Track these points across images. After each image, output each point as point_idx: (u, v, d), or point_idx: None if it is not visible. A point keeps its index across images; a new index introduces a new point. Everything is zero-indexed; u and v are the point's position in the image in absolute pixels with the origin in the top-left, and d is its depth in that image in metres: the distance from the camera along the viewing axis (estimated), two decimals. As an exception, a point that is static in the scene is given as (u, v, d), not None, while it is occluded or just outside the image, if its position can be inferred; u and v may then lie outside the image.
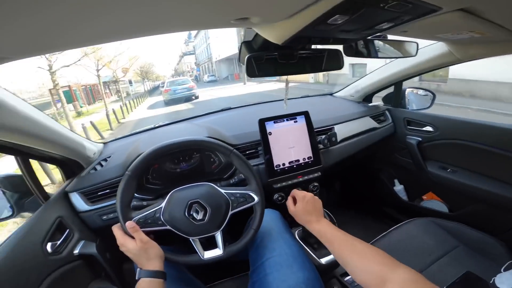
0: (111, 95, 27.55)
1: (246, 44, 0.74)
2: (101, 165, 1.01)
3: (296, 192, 0.80)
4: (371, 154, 1.62)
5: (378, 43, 0.92)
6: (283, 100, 1.65)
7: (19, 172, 0.83)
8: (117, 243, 0.66)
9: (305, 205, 0.75)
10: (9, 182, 0.83)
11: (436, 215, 1.25)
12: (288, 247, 0.77)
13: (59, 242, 0.79)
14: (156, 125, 1.34)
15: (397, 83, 1.44)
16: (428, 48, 1.13)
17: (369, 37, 0.84)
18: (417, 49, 0.99)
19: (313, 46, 0.75)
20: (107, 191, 0.93)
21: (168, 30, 0.47)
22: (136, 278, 0.60)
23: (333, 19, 0.48)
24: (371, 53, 0.92)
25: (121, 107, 11.37)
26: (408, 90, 1.53)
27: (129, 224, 0.65)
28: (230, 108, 1.54)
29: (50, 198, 0.88)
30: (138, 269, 0.62)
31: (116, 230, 0.67)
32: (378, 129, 1.41)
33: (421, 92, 1.54)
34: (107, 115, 8.93)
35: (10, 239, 0.70)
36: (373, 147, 1.41)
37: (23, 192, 0.85)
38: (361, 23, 0.55)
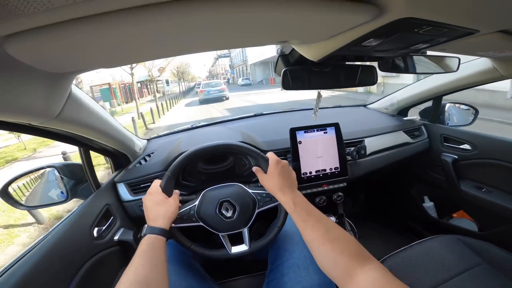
0: (148, 94, 27.77)
1: (283, 58, 0.78)
2: (145, 160, 1.11)
3: (270, 154, 0.74)
4: (402, 169, 1.58)
5: (416, 58, 0.91)
6: (311, 109, 1.67)
7: (75, 161, 0.95)
8: (148, 191, 0.70)
9: (280, 169, 0.69)
10: (68, 169, 0.94)
11: (464, 233, 1.19)
12: (307, 251, 0.77)
13: (104, 227, 0.87)
14: (194, 125, 1.43)
15: (436, 98, 1.39)
16: (470, 64, 1.09)
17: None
18: (459, 64, 0.95)
19: (347, 63, 0.77)
20: (148, 183, 1.01)
21: (222, 47, 0.53)
22: (143, 233, 0.62)
23: (367, 41, 0.51)
24: (409, 68, 0.90)
25: (151, 110, 10.44)
26: (448, 105, 1.46)
27: (176, 190, 0.73)
28: (263, 114, 1.59)
29: (101, 186, 0.97)
30: (146, 226, 0.64)
31: (156, 181, 0.73)
32: (411, 144, 1.37)
33: (463, 107, 1.47)
34: (133, 121, 7.84)
35: (66, 221, 0.77)
36: (404, 162, 1.37)
37: (79, 179, 0.96)
38: (396, 44, 0.57)
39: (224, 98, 15.46)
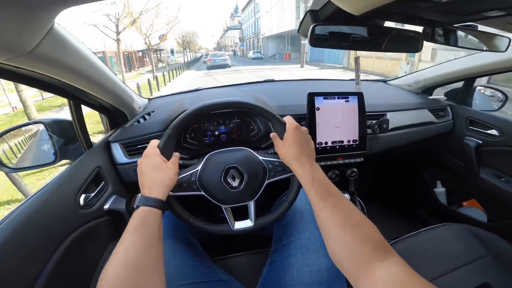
0: (150, 64, 25.07)
1: (312, 13, 0.68)
2: (144, 119, 1.01)
3: (288, 118, 0.66)
4: (420, 149, 1.51)
5: (463, 31, 0.82)
6: (330, 80, 1.59)
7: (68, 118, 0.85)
8: (144, 153, 0.61)
9: (299, 136, 0.62)
10: (58, 126, 0.84)
11: (473, 223, 1.19)
12: (317, 231, 0.71)
13: (92, 194, 0.77)
14: (200, 88, 1.33)
15: (469, 79, 1.29)
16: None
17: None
18: (509, 45, 0.86)
19: (388, 24, 0.69)
20: (146, 145, 0.91)
21: None
22: (136, 205, 0.52)
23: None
24: (450, 40, 0.82)
25: (148, 82, 9.45)
26: (478, 88, 1.37)
27: (175, 153, 0.64)
28: (275, 81, 1.50)
29: (93, 146, 0.88)
30: (140, 195, 0.54)
31: (153, 141, 0.63)
32: (435, 124, 1.30)
33: (491, 92, 1.38)
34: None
35: (49, 186, 0.66)
36: (426, 142, 1.31)
37: (69, 138, 0.85)
38: (470, 6, 0.48)
39: (228, 66, 20.84)
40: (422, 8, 0.50)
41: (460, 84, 1.35)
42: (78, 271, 0.67)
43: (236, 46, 60.31)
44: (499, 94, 1.34)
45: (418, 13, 0.55)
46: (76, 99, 0.77)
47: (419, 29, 0.73)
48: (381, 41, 0.68)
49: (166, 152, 0.62)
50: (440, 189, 1.50)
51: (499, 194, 1.15)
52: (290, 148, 0.61)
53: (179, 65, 23.40)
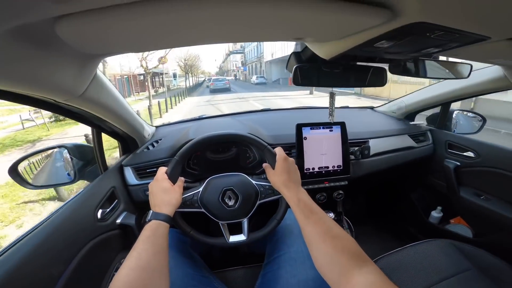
0: (153, 87, 24.59)
1: (295, 55, 0.80)
2: (153, 146, 1.13)
3: (278, 150, 0.75)
4: (404, 173, 1.59)
5: (428, 62, 0.91)
6: (320, 108, 1.69)
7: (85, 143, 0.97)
8: (155, 178, 0.71)
9: (287, 166, 0.71)
10: (79, 150, 0.95)
11: (459, 238, 1.22)
12: (305, 246, 0.77)
13: (107, 210, 0.88)
14: (202, 116, 1.45)
15: (445, 104, 1.40)
16: (482, 71, 1.09)
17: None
18: (470, 71, 0.95)
19: (358, 63, 0.79)
20: (154, 169, 1.04)
21: (239, 40, 0.55)
22: (148, 219, 0.62)
23: (379, 43, 0.52)
24: (420, 72, 0.91)
25: (149, 110, 8.91)
26: (456, 112, 1.46)
27: (180, 178, 0.74)
28: (270, 110, 1.62)
29: (109, 169, 0.99)
30: (151, 212, 0.64)
31: (162, 168, 0.73)
32: (416, 148, 1.38)
33: (470, 115, 1.47)
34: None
35: (73, 201, 0.78)
36: (407, 166, 1.38)
37: (88, 161, 0.96)
38: (408, 47, 0.58)
39: (228, 90, 23.67)
40: (374, 52, 0.59)
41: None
42: (92, 274, 0.76)
43: (238, 71, 60.64)
44: (479, 117, 1.41)
45: (374, 55, 0.64)
46: (99, 128, 0.91)
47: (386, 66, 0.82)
48: (351, 78, 0.77)
49: (173, 177, 0.73)
50: (438, 214, 1.51)
51: (481, 211, 1.21)
52: (279, 176, 0.70)
53: (181, 90, 22.47)
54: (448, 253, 0.94)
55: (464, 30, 0.44)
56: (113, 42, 0.46)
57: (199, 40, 0.52)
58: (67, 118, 0.85)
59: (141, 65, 12.44)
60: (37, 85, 0.49)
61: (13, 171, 0.79)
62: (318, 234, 0.53)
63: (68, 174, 0.91)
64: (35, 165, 0.87)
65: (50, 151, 0.90)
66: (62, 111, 0.69)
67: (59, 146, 0.91)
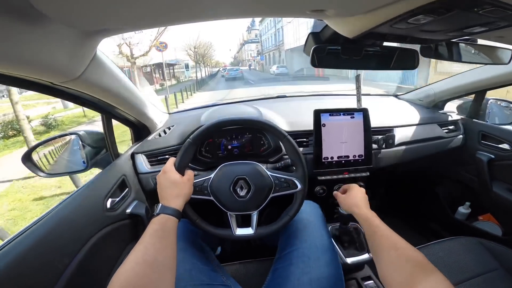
0: (162, 80, 21.68)
1: (314, 35, 0.74)
2: (165, 132, 1.11)
3: (345, 185, 0.85)
4: (430, 164, 1.50)
5: (463, 45, 0.83)
6: (340, 95, 1.62)
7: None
8: (163, 169, 0.68)
9: (355, 192, 0.78)
10: (90, 137, 0.94)
11: (487, 237, 1.16)
12: (320, 241, 0.77)
13: (117, 199, 0.85)
14: (216, 103, 1.42)
15: (479, 92, 1.29)
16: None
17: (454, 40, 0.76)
18: (512, 57, 0.86)
19: (385, 43, 0.72)
20: (166, 156, 1.03)
21: (244, 14, 0.49)
22: (156, 212, 0.60)
23: (415, 18, 0.46)
24: (454, 56, 0.83)
25: (166, 100, 7.79)
26: (491, 101, 1.35)
27: (190, 171, 0.71)
28: (286, 96, 1.55)
29: (120, 156, 0.97)
30: (160, 205, 0.62)
31: (171, 159, 0.71)
32: (445, 139, 1.29)
33: (506, 104, 1.35)
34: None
35: (81, 191, 0.76)
36: (434, 157, 1.30)
37: (99, 148, 0.95)
38: (448, 25, 0.51)
39: (242, 78, 24.68)
40: (407, 29, 0.52)
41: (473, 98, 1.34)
42: (100, 266, 0.75)
43: (254, 60, 58.61)
44: (514, 107, 1.30)
45: (406, 33, 0.58)
46: (109, 114, 0.88)
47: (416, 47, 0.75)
48: (376, 60, 0.71)
49: (181, 168, 0.70)
50: (466, 210, 1.43)
51: None
52: (352, 199, 0.76)
53: (190, 83, 18.73)
54: (475, 251, 0.90)
55: None
56: (102, 14, 0.42)
57: (206, 15, 0.47)
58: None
59: (120, 52, 10.03)
60: (26, 65, 0.46)
61: (27, 159, 0.78)
62: (384, 246, 0.56)
63: (83, 162, 0.90)
64: (49, 154, 0.87)
65: (63, 138, 0.90)
66: (63, 95, 0.66)
67: (71, 134, 0.90)
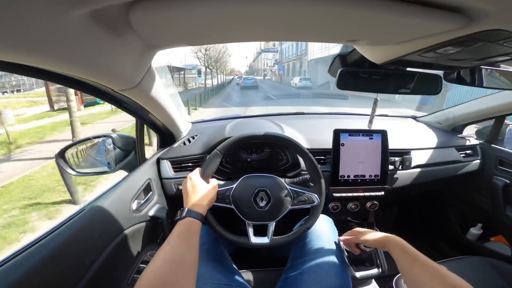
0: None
1: (341, 58, 0.77)
2: (189, 141, 1.15)
3: (354, 229, 0.80)
4: (445, 187, 1.49)
5: (486, 71, 0.84)
6: (357, 115, 1.63)
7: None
8: (189, 175, 0.73)
9: (369, 230, 0.76)
10: (121, 140, 0.99)
11: (497, 257, 1.12)
12: (332, 253, 0.78)
13: (142, 201, 0.90)
14: (237, 116, 1.46)
15: (499, 117, 1.28)
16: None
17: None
18: (533, 82, 0.86)
19: (408, 68, 0.74)
20: (189, 164, 1.07)
21: (284, 39, 0.53)
22: (183, 216, 0.62)
23: (444, 49, 0.48)
24: (476, 81, 0.85)
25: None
26: (511, 127, 1.34)
27: (215, 180, 0.75)
28: (304, 113, 1.58)
29: (147, 161, 1.02)
30: (186, 208, 0.64)
31: (197, 168, 0.76)
32: (462, 163, 1.28)
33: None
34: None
35: (111, 191, 0.80)
36: (450, 181, 1.29)
37: (128, 151, 1.00)
38: (474, 55, 0.53)
39: (256, 87, 24.38)
40: (434, 58, 0.55)
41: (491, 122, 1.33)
42: (121, 264, 0.79)
43: (270, 70, 56.99)
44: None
45: (432, 61, 0.60)
46: (143, 119, 0.94)
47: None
48: (402, 84, 0.73)
49: (207, 176, 0.74)
50: (477, 231, 1.40)
51: None
52: (373, 235, 0.72)
53: (200, 91, 15.94)
54: (483, 271, 0.90)
55: None
56: (177, 33, 0.47)
57: (252, 36, 0.51)
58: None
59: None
60: (99, 72, 0.51)
61: (61, 156, 0.83)
62: (427, 275, 0.53)
63: (108, 164, 0.95)
64: (81, 153, 0.93)
65: (96, 139, 0.95)
66: (115, 101, 0.72)
67: (105, 136, 0.95)
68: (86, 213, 0.68)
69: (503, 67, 0.81)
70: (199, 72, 31.34)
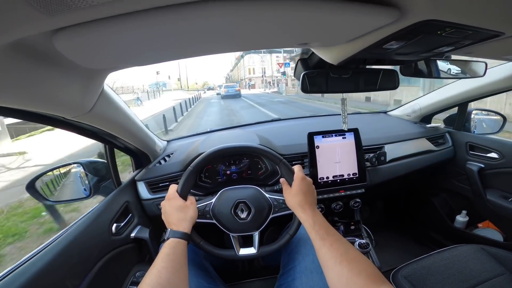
0: None
1: (302, 62, 0.79)
2: (165, 160, 1.14)
3: (297, 169, 0.72)
4: (424, 177, 1.54)
5: (441, 62, 0.89)
6: (332, 115, 1.67)
7: (100, 159, 0.99)
8: (166, 196, 0.71)
9: (305, 187, 0.69)
10: (93, 166, 0.97)
11: (489, 243, 1.17)
12: None
13: (122, 224, 0.89)
14: (212, 129, 1.46)
15: (462, 104, 1.35)
16: (498, 68, 1.05)
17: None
18: (486, 69, 0.92)
19: (368, 66, 0.77)
20: (167, 183, 1.05)
21: (243, 49, 0.55)
22: (166, 237, 0.62)
23: (388, 44, 0.51)
24: (433, 72, 0.89)
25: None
26: (474, 112, 1.41)
27: (191, 196, 0.73)
28: (280, 120, 1.60)
29: (122, 184, 1.00)
30: (169, 230, 0.64)
31: (172, 186, 0.73)
32: (435, 152, 1.33)
33: (489, 114, 1.41)
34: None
35: (89, 215, 0.80)
36: (427, 170, 1.33)
37: (102, 176, 0.98)
38: (418, 47, 0.56)
39: (238, 96, 23.25)
40: (383, 53, 0.57)
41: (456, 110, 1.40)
42: (109, 285, 0.78)
43: (250, 80, 47.40)
44: (498, 116, 1.36)
45: (383, 57, 0.63)
46: (111, 144, 0.93)
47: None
48: (361, 82, 0.76)
49: (185, 192, 0.73)
50: (464, 219, 1.43)
51: (509, 214, 1.15)
52: (295, 196, 0.68)
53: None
54: (479, 259, 0.91)
55: (476, 26, 0.43)
56: (112, 56, 0.46)
57: (203, 51, 0.52)
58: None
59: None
60: (43, 102, 0.50)
61: (31, 187, 0.81)
62: (334, 256, 0.52)
63: (84, 190, 0.93)
64: (52, 182, 0.90)
65: (66, 167, 0.93)
66: (73, 128, 0.70)
67: (75, 163, 0.93)
68: (62, 240, 0.67)
69: (455, 57, 0.86)
70: (137, 99, 20.80)
